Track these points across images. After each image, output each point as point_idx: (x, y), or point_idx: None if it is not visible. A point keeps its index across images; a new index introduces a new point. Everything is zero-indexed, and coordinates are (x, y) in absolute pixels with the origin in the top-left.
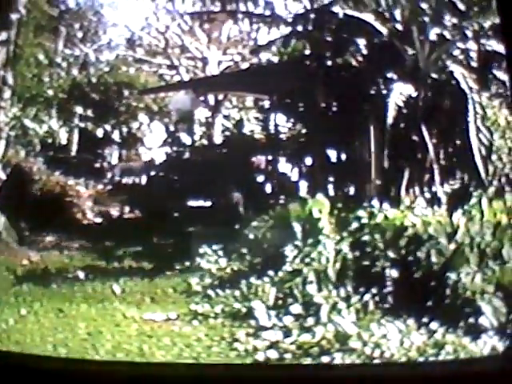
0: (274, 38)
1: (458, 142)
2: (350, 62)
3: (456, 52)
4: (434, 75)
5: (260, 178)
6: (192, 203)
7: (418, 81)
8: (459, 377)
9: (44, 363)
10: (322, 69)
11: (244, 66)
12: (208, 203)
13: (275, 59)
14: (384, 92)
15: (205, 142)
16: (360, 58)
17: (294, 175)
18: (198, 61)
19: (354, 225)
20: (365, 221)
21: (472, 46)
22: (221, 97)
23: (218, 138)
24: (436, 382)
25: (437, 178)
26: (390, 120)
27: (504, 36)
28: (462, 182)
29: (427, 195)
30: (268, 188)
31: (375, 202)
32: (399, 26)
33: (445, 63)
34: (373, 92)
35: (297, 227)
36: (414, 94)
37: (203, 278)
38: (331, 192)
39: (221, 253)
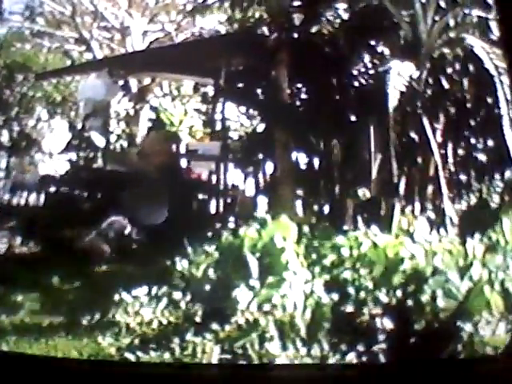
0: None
1: (473, 140)
2: (326, 32)
3: (470, 20)
4: (442, 50)
5: (201, 194)
6: (106, 229)
7: (420, 57)
8: (459, 377)
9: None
10: (286, 42)
11: (179, 38)
12: (127, 229)
13: (222, 28)
14: (373, 72)
15: (124, 143)
16: (339, 27)
17: (248, 188)
18: (115, 32)
19: (331, 257)
20: (346, 251)
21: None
22: (147, 81)
23: (142, 139)
24: (436, 381)
25: (444, 190)
26: (390, 110)
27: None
28: (479, 195)
29: (431, 214)
30: (212, 207)
31: (360, 224)
32: None
33: (458, 34)
34: (357, 73)
35: (252, 261)
36: (414, 75)
37: (119, 337)
38: (300, 211)
39: (144, 299)
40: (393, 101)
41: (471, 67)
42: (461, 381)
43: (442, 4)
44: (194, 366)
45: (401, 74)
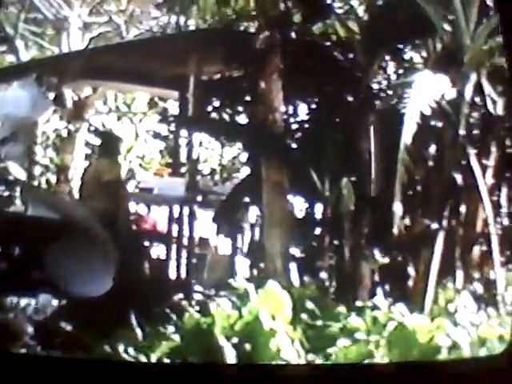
0: None
1: None
2: (335, 31)
3: None
4: (490, 59)
5: (156, 251)
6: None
7: (460, 68)
8: (459, 377)
9: None
10: (281, 43)
11: (131, 34)
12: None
13: (191, 22)
14: (394, 90)
15: (53, 178)
16: (353, 25)
17: (222, 244)
18: (47, 25)
19: (341, 343)
20: (361, 335)
21: None
22: (86, 92)
23: (78, 172)
24: (436, 381)
25: (496, 252)
26: (407, 139)
27: None
28: None
29: (478, 287)
30: (171, 270)
31: (380, 299)
32: None
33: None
34: (377, 87)
35: (227, 348)
36: (452, 94)
37: None
38: (295, 278)
39: None
40: (408, 130)
41: None
42: (461, 381)
43: (489, 1)
44: (195, 366)
45: (429, 91)
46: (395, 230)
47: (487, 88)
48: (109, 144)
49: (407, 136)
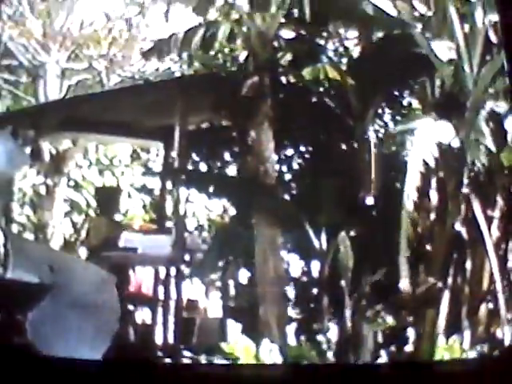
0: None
1: None
2: (327, 75)
3: None
4: (496, 104)
5: (141, 314)
6: None
7: (463, 114)
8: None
9: None
10: (271, 89)
11: (112, 81)
12: None
13: (175, 68)
14: (394, 138)
15: (29, 236)
16: (347, 69)
17: (211, 306)
18: (22, 73)
19: None
20: None
21: None
22: (66, 145)
23: (57, 230)
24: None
25: (503, 311)
26: (411, 190)
27: None
28: None
29: (486, 348)
30: (157, 334)
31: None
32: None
33: None
34: (375, 136)
35: None
36: (455, 142)
37: None
38: (292, 342)
39: None
40: (411, 180)
41: None
42: (461, 381)
43: (493, 38)
44: (195, 366)
45: (431, 138)
46: (400, 289)
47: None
48: (107, 200)
49: (411, 186)
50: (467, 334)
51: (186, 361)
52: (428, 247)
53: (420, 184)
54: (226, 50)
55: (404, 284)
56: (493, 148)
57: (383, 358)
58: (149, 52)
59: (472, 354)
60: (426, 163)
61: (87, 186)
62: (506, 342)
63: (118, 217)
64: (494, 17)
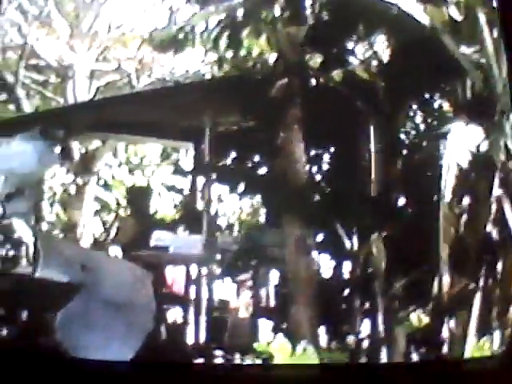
0: (209, 28)
1: None
2: (357, 77)
3: None
4: None
5: (172, 314)
6: None
7: (492, 117)
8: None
9: None
10: (300, 91)
11: (141, 82)
12: None
13: (205, 70)
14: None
15: (59, 235)
16: (377, 71)
17: (243, 306)
18: (51, 73)
19: None
20: None
21: None
22: (95, 144)
23: (86, 229)
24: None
25: None
26: (447, 193)
27: None
28: None
29: None
30: (189, 334)
31: None
32: (455, 13)
33: None
34: (405, 137)
35: None
36: (486, 145)
37: None
38: (323, 342)
39: None
40: (447, 184)
41: None
42: (461, 381)
43: None
44: (194, 366)
45: (464, 142)
46: (434, 291)
47: None
48: (138, 199)
49: (447, 190)
50: (497, 335)
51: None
52: (460, 249)
53: (455, 186)
54: (255, 53)
55: (441, 284)
56: None
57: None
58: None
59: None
60: (460, 166)
61: (117, 186)
62: None
63: (148, 216)
64: None
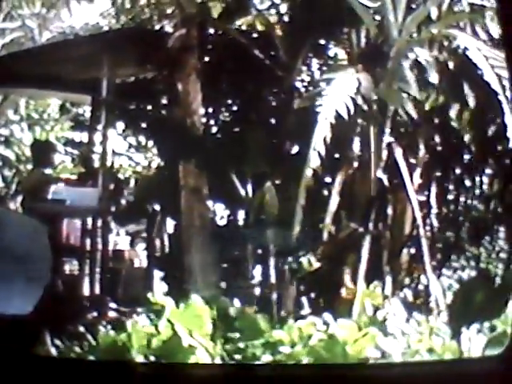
0: None
1: (468, 182)
2: (255, 27)
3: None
4: (419, 53)
5: (68, 265)
6: None
7: (386, 64)
8: (459, 377)
9: None
10: (199, 41)
11: (43, 37)
12: None
13: (103, 22)
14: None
15: None
16: (275, 20)
17: (138, 256)
18: None
19: (264, 358)
20: (286, 349)
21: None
22: None
23: None
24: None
25: (426, 256)
26: (317, 144)
27: None
28: (476, 264)
29: (408, 293)
30: (84, 285)
31: (305, 309)
32: None
33: (444, 30)
34: (301, 86)
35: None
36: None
37: None
38: (216, 290)
39: None
40: (321, 130)
41: (464, 78)
42: (461, 381)
43: None
44: (194, 365)
45: (349, 88)
46: (324, 236)
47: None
48: (38, 154)
49: (318, 137)
50: (388, 279)
51: (111, 313)
52: (349, 194)
53: (329, 134)
54: (153, 3)
55: (327, 230)
56: (418, 96)
57: (305, 306)
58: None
59: (394, 301)
60: (338, 114)
61: (17, 142)
62: (432, 289)
63: (47, 171)
64: None
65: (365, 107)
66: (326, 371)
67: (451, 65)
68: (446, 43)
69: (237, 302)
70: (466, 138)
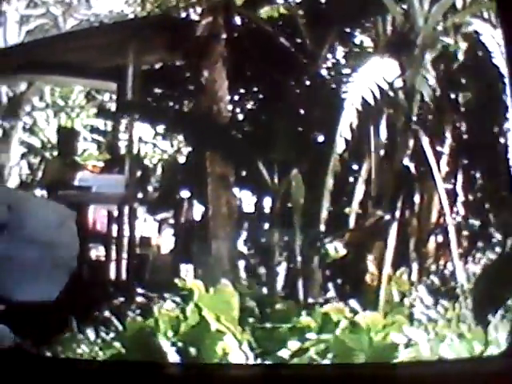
0: None
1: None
2: (280, 15)
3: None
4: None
5: (95, 252)
6: None
7: (413, 52)
8: (459, 377)
9: None
10: (224, 30)
11: (68, 24)
12: None
13: (128, 10)
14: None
15: None
16: (300, 9)
17: (164, 243)
18: None
19: (291, 345)
20: (312, 335)
21: None
22: (22, 87)
23: (15, 173)
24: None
25: (453, 244)
26: (344, 131)
27: None
28: (502, 250)
29: (435, 281)
30: (110, 271)
31: (332, 296)
32: None
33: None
34: (327, 74)
35: (170, 353)
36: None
37: None
38: (243, 276)
39: None
40: (347, 117)
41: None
42: (461, 381)
43: None
44: (193, 365)
45: (376, 76)
46: (350, 224)
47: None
48: (64, 142)
49: (345, 123)
50: (415, 266)
51: (138, 298)
52: (376, 182)
53: (355, 121)
54: None
55: (354, 218)
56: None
57: (331, 293)
58: None
59: (421, 288)
60: (364, 100)
61: (43, 129)
62: (458, 277)
63: (73, 158)
64: None
65: (391, 94)
66: (348, 370)
67: (473, 52)
68: (463, 30)
69: (264, 288)
70: (490, 124)
